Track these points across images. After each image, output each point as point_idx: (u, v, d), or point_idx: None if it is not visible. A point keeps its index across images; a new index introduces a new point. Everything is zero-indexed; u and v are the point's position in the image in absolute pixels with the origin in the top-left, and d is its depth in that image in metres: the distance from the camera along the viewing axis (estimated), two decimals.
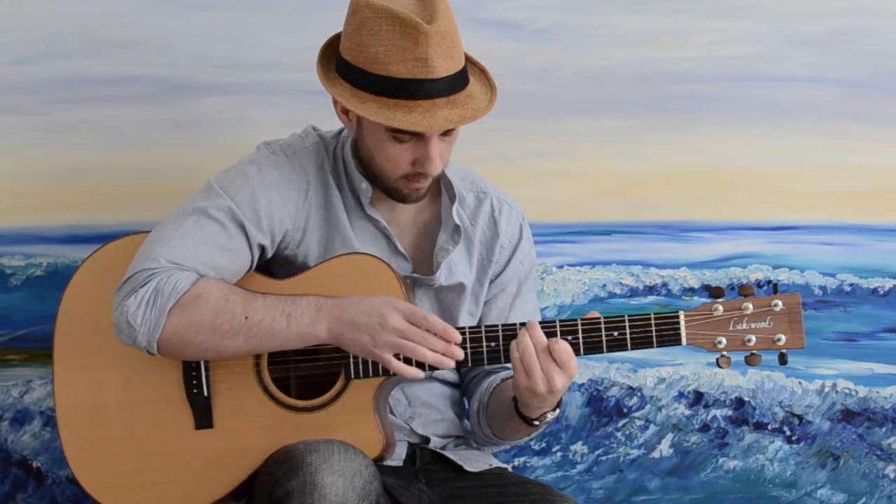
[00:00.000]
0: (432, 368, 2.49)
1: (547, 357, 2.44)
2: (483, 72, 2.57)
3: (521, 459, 3.19)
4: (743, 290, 2.49)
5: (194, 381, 2.56)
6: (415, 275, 2.65)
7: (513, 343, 2.46)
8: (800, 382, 3.22)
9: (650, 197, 3.18)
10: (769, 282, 3.18)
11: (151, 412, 2.57)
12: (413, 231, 2.68)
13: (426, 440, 2.69)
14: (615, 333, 2.48)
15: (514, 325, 2.50)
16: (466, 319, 2.69)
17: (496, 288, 2.73)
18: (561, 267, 3.18)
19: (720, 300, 2.49)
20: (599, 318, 2.49)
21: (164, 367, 2.57)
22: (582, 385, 3.19)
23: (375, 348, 2.45)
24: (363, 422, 2.53)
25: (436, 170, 2.52)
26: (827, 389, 3.22)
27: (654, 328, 2.48)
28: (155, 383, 2.58)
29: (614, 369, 3.19)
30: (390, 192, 2.59)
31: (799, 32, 3.18)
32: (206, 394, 2.57)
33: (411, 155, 2.52)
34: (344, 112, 2.56)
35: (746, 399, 3.21)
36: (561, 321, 2.48)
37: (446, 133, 2.51)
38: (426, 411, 2.70)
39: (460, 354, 2.46)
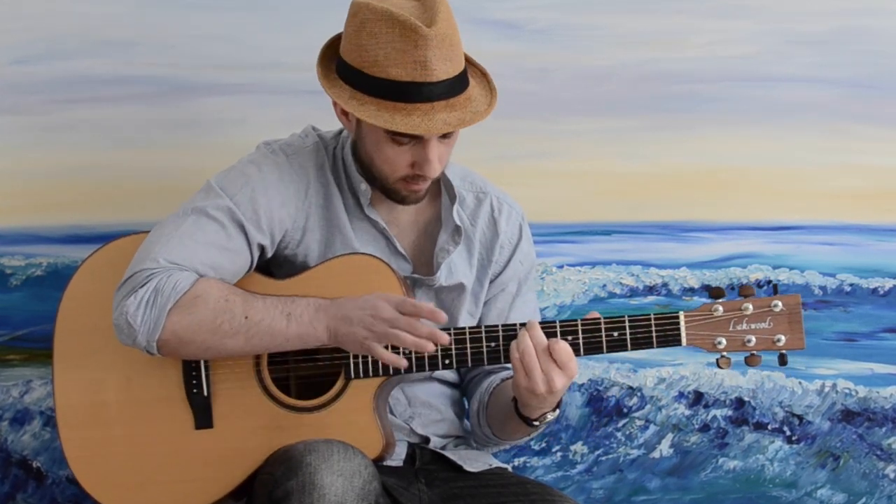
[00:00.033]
0: (420, 363, 2.49)
1: (547, 357, 2.44)
2: (484, 74, 2.57)
3: (521, 459, 3.19)
4: (743, 291, 2.49)
5: (194, 381, 2.56)
6: (415, 275, 2.65)
7: (513, 343, 2.46)
8: (800, 382, 3.22)
9: (650, 197, 3.18)
10: (769, 282, 3.18)
11: (151, 412, 2.57)
12: (413, 231, 2.68)
13: (426, 440, 2.68)
14: (615, 334, 2.49)
15: (514, 325, 2.50)
16: (466, 319, 2.69)
17: (496, 288, 2.73)
18: (561, 267, 3.18)
19: (720, 300, 2.49)
20: (599, 318, 2.49)
21: (164, 367, 2.57)
22: (582, 385, 3.18)
23: (367, 340, 2.45)
24: (363, 422, 2.53)
25: (434, 172, 2.52)
26: (827, 389, 3.22)
27: (654, 328, 2.48)
28: (155, 383, 2.58)
29: (614, 369, 3.19)
30: (389, 193, 2.59)
31: (799, 32, 3.17)
32: (205, 394, 2.56)
33: (410, 157, 2.52)
34: (343, 113, 2.56)
35: (746, 399, 3.21)
36: (561, 321, 2.48)
37: (445, 136, 2.51)
38: (426, 411, 2.69)
39: (445, 339, 2.43)
